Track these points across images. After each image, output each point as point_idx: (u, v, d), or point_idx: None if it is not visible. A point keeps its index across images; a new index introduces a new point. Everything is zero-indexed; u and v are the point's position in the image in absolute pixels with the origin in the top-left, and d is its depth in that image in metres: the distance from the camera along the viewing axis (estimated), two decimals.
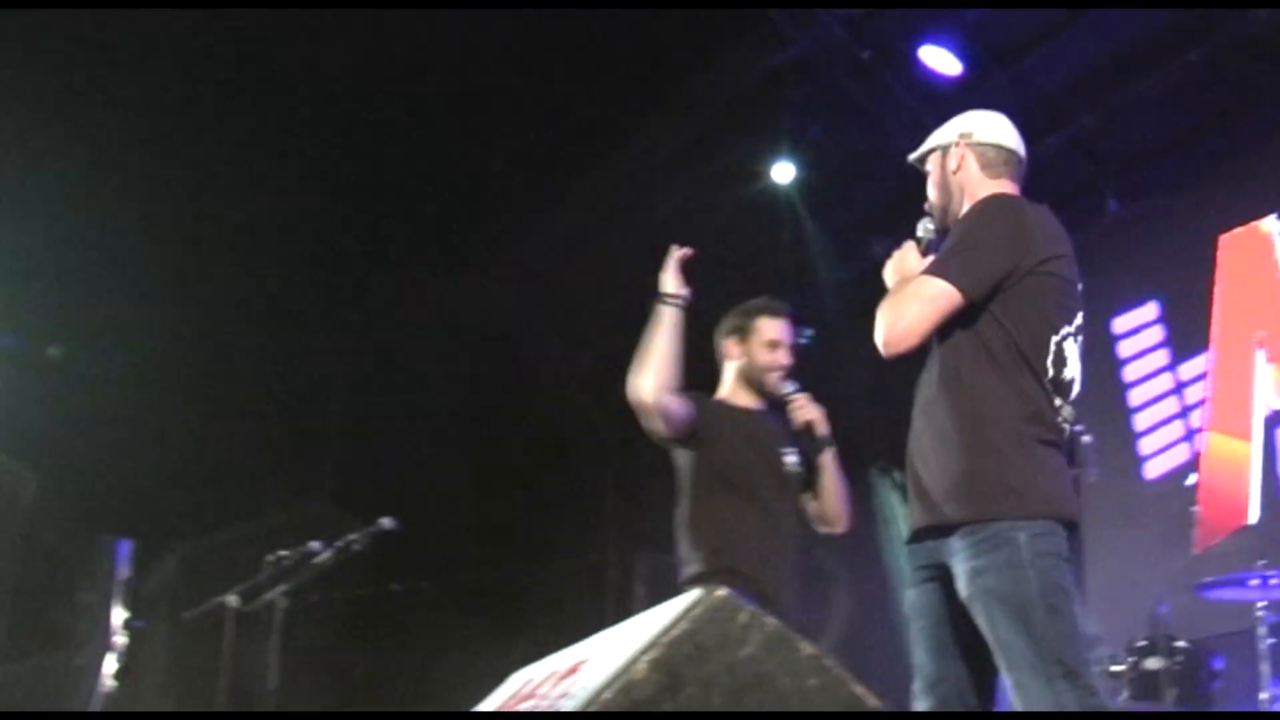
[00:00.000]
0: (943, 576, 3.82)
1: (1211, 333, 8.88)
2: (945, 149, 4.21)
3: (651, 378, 4.90)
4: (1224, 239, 8.94)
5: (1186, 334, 9.05)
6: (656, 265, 9.68)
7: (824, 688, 2.76)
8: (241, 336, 10.21)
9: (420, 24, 8.57)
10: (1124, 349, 9.43)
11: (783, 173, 9.93)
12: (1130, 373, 9.38)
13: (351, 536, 7.41)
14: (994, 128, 4.23)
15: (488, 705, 3.42)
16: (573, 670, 2.95)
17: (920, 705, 3.83)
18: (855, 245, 10.05)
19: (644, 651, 2.65)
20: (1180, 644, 6.71)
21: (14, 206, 8.72)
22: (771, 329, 5.36)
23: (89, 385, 9.83)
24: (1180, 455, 8.96)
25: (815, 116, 9.58)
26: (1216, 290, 8.84)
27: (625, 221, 10.04)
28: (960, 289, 3.81)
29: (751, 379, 5.35)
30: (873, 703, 2.78)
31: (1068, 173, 9.37)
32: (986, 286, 3.82)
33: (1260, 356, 8.67)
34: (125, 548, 10.29)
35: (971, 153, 4.17)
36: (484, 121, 9.34)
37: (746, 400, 5.36)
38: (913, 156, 4.34)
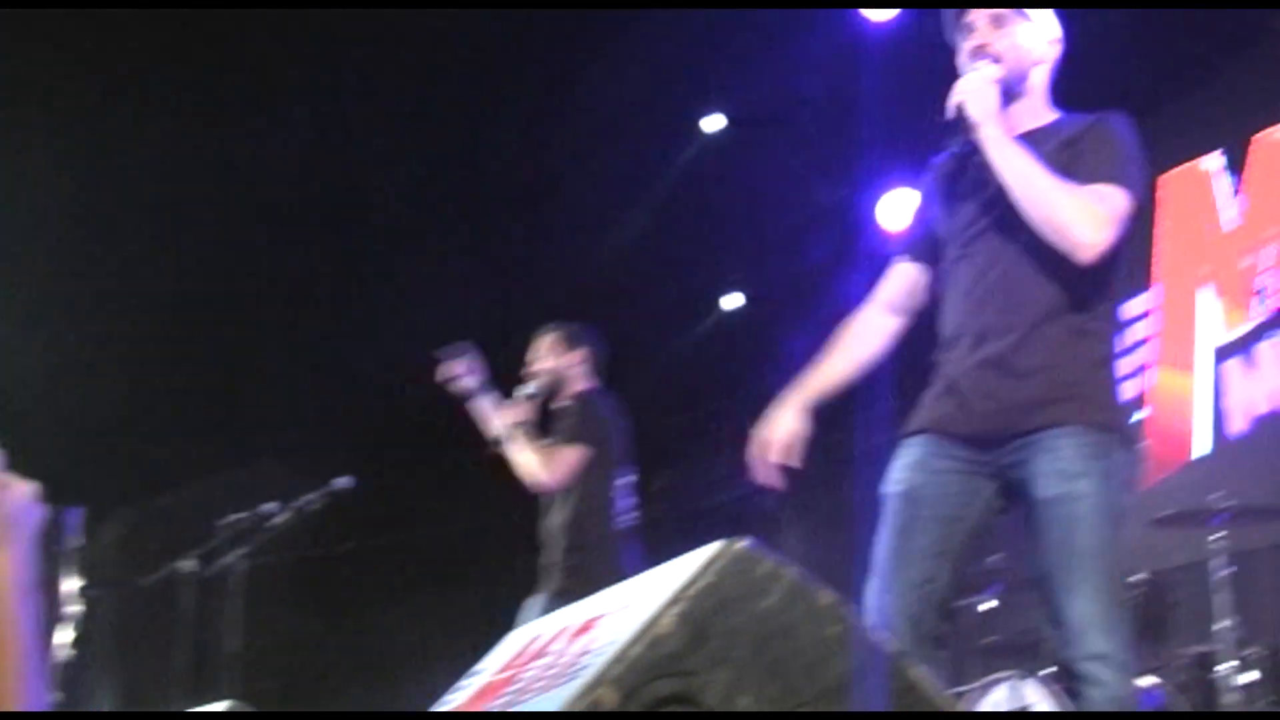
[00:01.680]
0: (979, 474, 3.71)
1: (1153, 271, 9.00)
2: (1045, 31, 3.97)
3: None
4: (1162, 179, 9.03)
5: (1127, 274, 9.13)
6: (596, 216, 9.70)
7: (843, 636, 2.79)
8: (172, 300, 10.13)
9: None
10: None
11: (713, 122, 10.01)
12: None
13: (308, 497, 7.40)
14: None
15: (491, 664, 3.42)
16: (587, 627, 2.96)
17: (897, 601, 3.68)
18: (800, 190, 10.18)
19: (669, 605, 2.68)
20: (1138, 577, 6.81)
21: None
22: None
23: (24, 361, 9.76)
24: (1126, 391, 9.08)
25: (755, 63, 9.60)
26: (1157, 230, 8.97)
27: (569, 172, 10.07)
28: (1134, 207, 3.73)
29: None
30: (890, 648, 2.83)
31: None
32: None
33: (1203, 293, 8.83)
34: (75, 516, 10.23)
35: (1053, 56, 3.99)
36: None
37: None
38: None
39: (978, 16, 3.92)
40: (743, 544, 2.77)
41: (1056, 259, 3.66)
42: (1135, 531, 7.02)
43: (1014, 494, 3.68)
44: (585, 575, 6.02)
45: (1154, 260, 9.01)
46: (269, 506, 7.50)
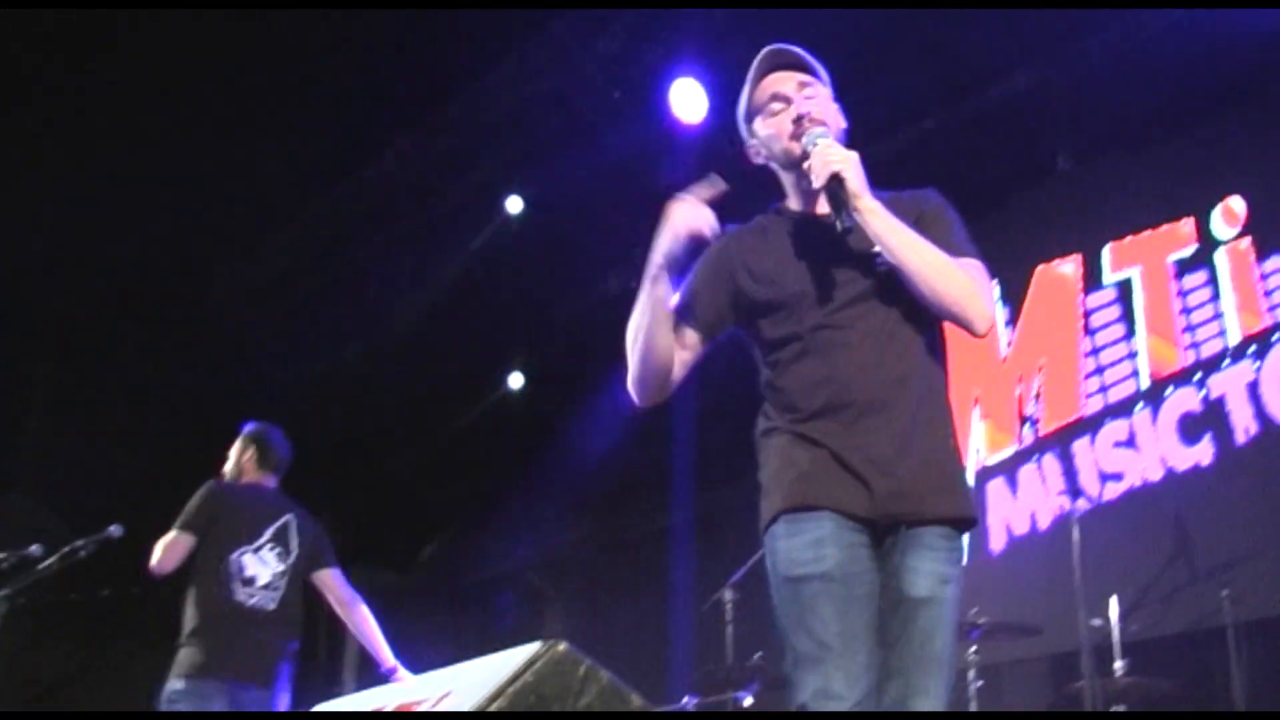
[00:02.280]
0: (875, 553, 3.49)
1: None
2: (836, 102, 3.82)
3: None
4: None
5: None
6: (394, 280, 9.67)
7: None
8: None
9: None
10: None
11: (513, 204, 10.10)
12: None
13: (78, 543, 7.24)
14: None
15: None
16: (406, 709, 3.03)
17: (851, 687, 3.35)
18: (591, 278, 10.35)
19: (491, 698, 2.77)
20: None
21: None
22: None
23: None
24: None
25: (561, 150, 9.73)
26: None
27: (366, 237, 10.07)
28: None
29: None
30: None
31: None
32: None
33: (975, 414, 9.19)
34: None
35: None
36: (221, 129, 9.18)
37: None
38: (802, 53, 3.81)
39: (785, 81, 3.79)
40: (563, 646, 2.89)
41: (922, 336, 3.61)
42: None
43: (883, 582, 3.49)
44: (196, 652, 6.38)
45: None
46: (34, 549, 7.33)
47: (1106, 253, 8.90)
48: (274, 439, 7.02)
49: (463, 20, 8.63)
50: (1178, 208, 8.60)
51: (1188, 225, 8.55)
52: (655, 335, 3.62)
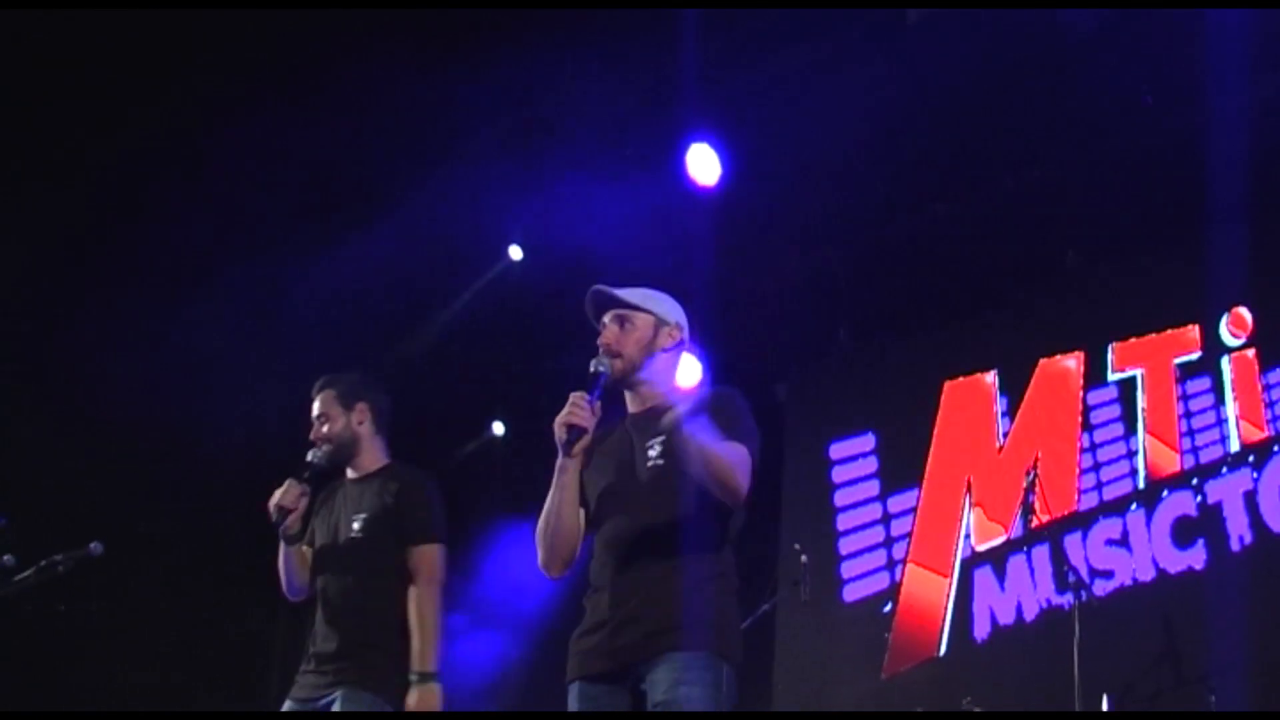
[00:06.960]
0: None
1: (925, 470, 9.37)
2: (662, 324, 4.25)
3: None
4: (949, 385, 9.49)
5: (898, 468, 9.54)
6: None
7: None
8: None
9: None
10: (838, 474, 9.85)
11: (515, 253, 10.12)
12: (841, 498, 9.80)
13: (57, 558, 7.11)
14: (686, 329, 4.35)
15: None
16: None
17: None
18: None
19: None
20: None
21: None
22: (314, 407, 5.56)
23: None
24: (880, 583, 9.40)
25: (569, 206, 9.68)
26: (936, 431, 9.35)
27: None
28: (754, 464, 4.04)
29: None
30: None
31: (806, 300, 9.79)
32: None
33: (967, 500, 9.19)
34: None
35: (677, 346, 4.26)
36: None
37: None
38: (619, 294, 4.24)
39: (608, 315, 4.25)
40: None
41: None
42: None
43: None
44: None
45: (927, 460, 9.39)
46: (8, 559, 7.18)
47: (1110, 351, 8.94)
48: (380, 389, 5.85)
49: None
50: (1185, 313, 8.65)
51: (1193, 331, 8.60)
52: (563, 519, 4.12)
